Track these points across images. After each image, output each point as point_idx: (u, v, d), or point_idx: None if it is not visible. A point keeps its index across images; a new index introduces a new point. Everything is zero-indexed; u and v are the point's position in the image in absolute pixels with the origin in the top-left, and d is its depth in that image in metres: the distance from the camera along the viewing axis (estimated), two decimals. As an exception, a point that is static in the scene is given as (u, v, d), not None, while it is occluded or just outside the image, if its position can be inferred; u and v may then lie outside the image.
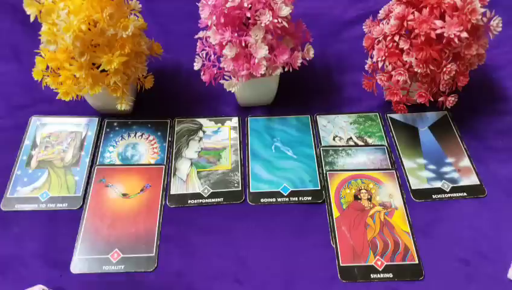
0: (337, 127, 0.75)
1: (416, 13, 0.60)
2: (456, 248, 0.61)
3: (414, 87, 0.66)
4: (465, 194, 0.66)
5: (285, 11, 0.61)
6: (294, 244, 0.61)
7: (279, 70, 0.66)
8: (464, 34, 0.58)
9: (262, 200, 0.66)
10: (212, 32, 0.63)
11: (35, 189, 0.66)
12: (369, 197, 0.66)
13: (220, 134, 0.74)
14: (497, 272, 0.59)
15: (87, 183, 0.67)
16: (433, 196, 0.66)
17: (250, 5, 0.60)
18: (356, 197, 0.66)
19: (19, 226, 0.62)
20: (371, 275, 0.58)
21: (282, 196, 0.66)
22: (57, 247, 0.60)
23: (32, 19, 0.60)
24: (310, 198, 0.66)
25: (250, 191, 0.66)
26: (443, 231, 0.62)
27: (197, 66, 0.68)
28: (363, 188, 0.67)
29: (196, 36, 0.70)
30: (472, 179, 0.68)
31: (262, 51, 0.62)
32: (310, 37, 0.71)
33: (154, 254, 0.60)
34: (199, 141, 0.73)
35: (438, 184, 0.67)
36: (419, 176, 0.68)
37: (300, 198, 0.66)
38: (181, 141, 0.72)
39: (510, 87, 0.80)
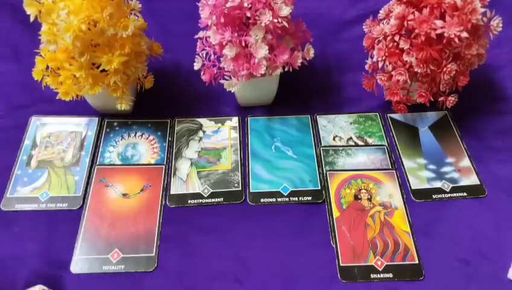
0: (337, 127, 0.75)
1: (416, 13, 0.60)
2: (456, 248, 0.61)
3: (414, 87, 0.66)
4: (465, 194, 0.66)
5: (285, 11, 0.61)
6: (294, 244, 0.61)
7: (279, 70, 0.66)
8: (464, 34, 0.58)
9: (262, 200, 0.66)
10: (212, 32, 0.63)
11: (35, 189, 0.66)
12: (369, 197, 0.66)
13: (220, 134, 0.73)
14: (497, 272, 0.59)
15: (87, 183, 0.67)
16: (433, 196, 0.66)
17: (250, 5, 0.60)
18: (356, 197, 0.66)
19: (19, 226, 0.62)
20: (371, 275, 0.58)
21: (282, 196, 0.66)
22: (57, 247, 0.60)
23: (32, 19, 0.60)
24: (310, 198, 0.66)
25: (250, 191, 0.66)
26: (443, 231, 0.62)
27: (197, 66, 0.68)
28: (363, 188, 0.67)
29: (196, 36, 0.70)
30: (472, 179, 0.68)
31: (262, 51, 0.62)
32: (310, 37, 0.71)
33: (154, 254, 0.60)
34: (199, 140, 0.73)
35: (438, 184, 0.67)
36: (419, 176, 0.68)
37: (300, 198, 0.66)
38: (181, 141, 0.72)
39: (510, 87, 0.80)
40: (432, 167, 0.69)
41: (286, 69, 0.67)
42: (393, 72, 0.64)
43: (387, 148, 0.72)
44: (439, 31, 0.59)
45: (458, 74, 0.64)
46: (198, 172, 0.69)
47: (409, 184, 0.67)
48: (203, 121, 0.75)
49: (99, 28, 0.59)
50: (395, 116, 0.76)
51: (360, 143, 0.73)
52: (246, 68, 0.64)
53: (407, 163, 0.70)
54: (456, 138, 0.73)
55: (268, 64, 0.65)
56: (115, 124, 0.74)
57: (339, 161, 0.70)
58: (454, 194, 0.66)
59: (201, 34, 0.69)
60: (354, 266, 0.59)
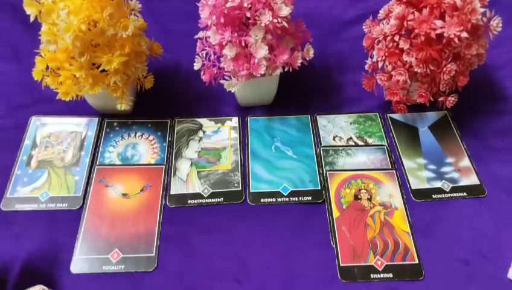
0: (337, 127, 0.75)
1: (416, 13, 0.60)
2: (456, 247, 0.61)
3: (414, 87, 0.66)
4: (465, 194, 0.66)
5: (285, 11, 0.61)
6: (294, 244, 0.61)
7: (279, 70, 0.66)
8: (464, 34, 0.58)
9: (262, 200, 0.66)
10: (212, 32, 0.63)
11: (35, 189, 0.66)
12: (369, 197, 0.66)
13: (220, 134, 0.74)
14: (497, 272, 0.59)
15: (87, 183, 0.67)
16: (433, 196, 0.66)
17: (250, 5, 0.60)
18: (356, 197, 0.66)
19: (19, 226, 0.62)
20: (371, 275, 0.58)
21: (282, 196, 0.66)
22: (57, 247, 0.60)
23: (32, 19, 0.60)
24: (310, 198, 0.66)
25: (250, 191, 0.66)
26: (443, 231, 0.62)
27: (197, 66, 0.68)
28: (363, 188, 0.67)
29: (196, 36, 0.70)
30: (472, 179, 0.68)
31: (262, 51, 0.62)
32: (309, 37, 0.71)
33: (154, 254, 0.60)
34: (199, 141, 0.73)
35: (438, 184, 0.67)
36: (419, 176, 0.68)
37: (300, 198, 0.66)
38: (181, 141, 0.72)
39: (510, 87, 0.80)
40: (431, 167, 0.69)
41: (286, 69, 0.67)
42: (393, 72, 0.64)
43: (387, 148, 0.72)
44: (439, 31, 0.59)
45: (458, 74, 0.64)
46: (198, 172, 0.69)
47: (409, 184, 0.67)
48: (203, 121, 0.75)
49: (99, 28, 0.59)
50: (395, 116, 0.76)
51: (360, 143, 0.73)
52: (246, 68, 0.64)
53: (407, 163, 0.70)
54: (456, 138, 0.73)
55: (268, 64, 0.65)
56: (115, 124, 0.74)
57: (339, 161, 0.70)
58: (454, 194, 0.66)
59: (201, 34, 0.69)
60: (354, 266, 0.59)
